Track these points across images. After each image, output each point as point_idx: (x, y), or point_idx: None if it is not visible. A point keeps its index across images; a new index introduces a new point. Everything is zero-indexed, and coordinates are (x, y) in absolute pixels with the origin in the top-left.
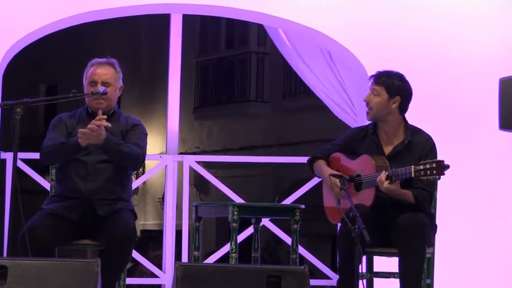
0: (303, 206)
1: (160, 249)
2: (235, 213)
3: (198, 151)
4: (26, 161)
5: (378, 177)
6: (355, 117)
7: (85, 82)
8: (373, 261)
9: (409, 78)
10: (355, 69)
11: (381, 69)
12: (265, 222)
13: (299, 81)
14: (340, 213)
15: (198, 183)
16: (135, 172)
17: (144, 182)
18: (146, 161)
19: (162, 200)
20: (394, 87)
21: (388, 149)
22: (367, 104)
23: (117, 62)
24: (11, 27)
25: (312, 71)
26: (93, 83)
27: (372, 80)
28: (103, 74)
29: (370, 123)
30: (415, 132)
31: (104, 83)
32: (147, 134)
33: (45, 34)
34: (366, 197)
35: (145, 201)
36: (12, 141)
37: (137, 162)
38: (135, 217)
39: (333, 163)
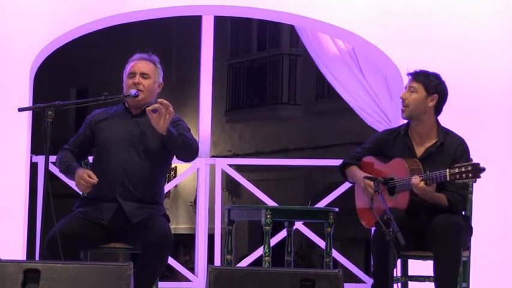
0: (337, 209)
1: (191, 254)
2: (268, 216)
3: (230, 154)
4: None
5: (412, 181)
6: (386, 122)
7: (124, 77)
8: (408, 265)
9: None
10: (386, 70)
11: (416, 69)
12: (298, 225)
13: None
14: (373, 216)
15: (230, 186)
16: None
17: (176, 186)
18: (178, 164)
19: (193, 203)
20: (432, 85)
21: (420, 151)
22: (403, 102)
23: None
24: (41, 30)
25: (335, 77)
26: (132, 74)
27: (409, 77)
28: (142, 66)
29: (401, 125)
30: (447, 134)
31: (143, 74)
32: (190, 129)
33: (75, 37)
34: (400, 201)
35: (176, 205)
36: (43, 144)
37: (196, 150)
38: (168, 221)
39: (365, 167)
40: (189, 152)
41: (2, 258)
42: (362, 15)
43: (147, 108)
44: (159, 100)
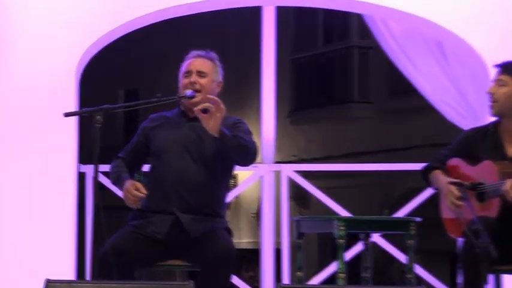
0: (419, 219)
1: (255, 270)
2: (342, 228)
3: (295, 160)
4: (106, 174)
5: (503, 186)
6: (473, 119)
7: (180, 76)
8: (502, 281)
9: None
10: (473, 63)
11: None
12: (375, 237)
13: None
14: (461, 226)
15: (296, 195)
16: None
17: (237, 196)
18: (239, 172)
19: (257, 215)
20: None
21: (511, 151)
22: (491, 97)
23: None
24: (86, 28)
25: (418, 70)
26: (188, 73)
27: (497, 70)
28: (198, 64)
29: (490, 122)
30: None
31: (199, 73)
32: (251, 132)
33: (122, 34)
34: (491, 208)
35: (238, 217)
36: (92, 152)
37: (255, 153)
38: (231, 235)
39: (451, 172)
40: (246, 155)
41: (50, 278)
42: (443, 3)
43: (195, 109)
44: (209, 97)
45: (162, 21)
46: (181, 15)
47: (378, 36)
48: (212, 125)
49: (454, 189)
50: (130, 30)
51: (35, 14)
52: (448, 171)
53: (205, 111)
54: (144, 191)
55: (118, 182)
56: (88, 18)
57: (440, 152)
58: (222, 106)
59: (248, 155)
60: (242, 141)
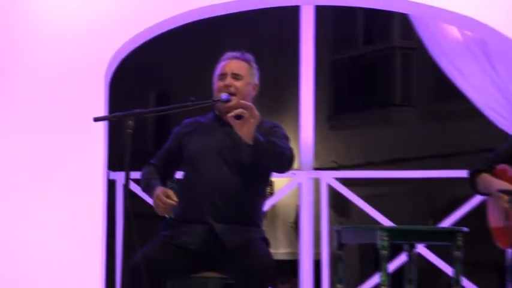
0: (466, 229)
1: (292, 282)
2: (385, 238)
3: (335, 166)
4: (137, 181)
5: None
6: None
7: (214, 79)
8: None
9: None
10: None
11: None
12: (420, 248)
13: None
14: (510, 236)
15: (336, 204)
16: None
17: (273, 204)
18: (276, 179)
19: (294, 224)
20: None
21: None
22: None
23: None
24: (116, 28)
25: (462, 73)
26: (222, 75)
27: None
28: (234, 66)
29: None
30: None
31: (235, 75)
32: (289, 138)
33: (154, 35)
34: None
35: (274, 227)
36: (123, 159)
37: (291, 160)
38: (269, 245)
39: (499, 176)
40: (282, 162)
41: None
42: (491, 2)
43: (228, 115)
44: (241, 102)
45: (196, 20)
46: (216, 15)
47: (422, 37)
48: (246, 131)
49: (505, 197)
50: (161, 31)
51: (63, 14)
52: (496, 175)
53: (238, 117)
54: (175, 199)
55: (148, 189)
56: (118, 18)
57: (486, 156)
58: (256, 112)
59: (284, 162)
60: (277, 147)
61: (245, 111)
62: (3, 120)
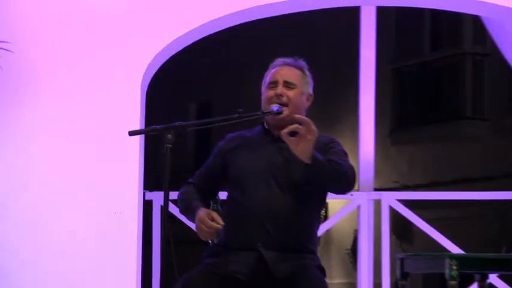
0: None
1: None
2: (454, 267)
3: (397, 186)
4: (176, 202)
5: None
6: None
7: (263, 88)
8: None
9: None
10: None
11: None
12: (492, 278)
13: None
14: None
15: (397, 228)
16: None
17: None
18: (331, 201)
19: (351, 251)
20: None
21: None
22: None
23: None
24: (153, 34)
25: None
26: (273, 83)
27: None
28: (286, 73)
29: None
30: None
31: (287, 84)
32: (347, 154)
33: (195, 39)
34: None
35: (329, 254)
36: (161, 177)
37: (353, 180)
38: (324, 275)
39: None
40: (342, 182)
41: None
42: None
43: (281, 132)
44: (296, 116)
45: (241, 24)
46: (264, 17)
47: (496, 41)
48: (302, 149)
49: None
50: (204, 35)
51: (97, 18)
52: None
53: (293, 133)
54: (221, 222)
55: (188, 212)
56: (156, 21)
57: None
58: (313, 127)
59: (345, 182)
60: (338, 166)
61: (301, 127)
62: (34, 133)
